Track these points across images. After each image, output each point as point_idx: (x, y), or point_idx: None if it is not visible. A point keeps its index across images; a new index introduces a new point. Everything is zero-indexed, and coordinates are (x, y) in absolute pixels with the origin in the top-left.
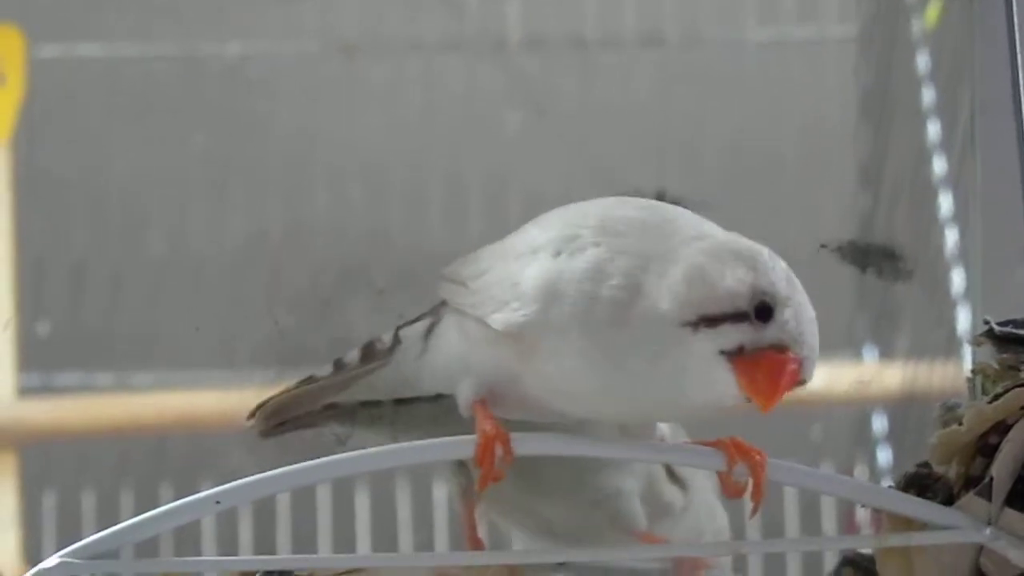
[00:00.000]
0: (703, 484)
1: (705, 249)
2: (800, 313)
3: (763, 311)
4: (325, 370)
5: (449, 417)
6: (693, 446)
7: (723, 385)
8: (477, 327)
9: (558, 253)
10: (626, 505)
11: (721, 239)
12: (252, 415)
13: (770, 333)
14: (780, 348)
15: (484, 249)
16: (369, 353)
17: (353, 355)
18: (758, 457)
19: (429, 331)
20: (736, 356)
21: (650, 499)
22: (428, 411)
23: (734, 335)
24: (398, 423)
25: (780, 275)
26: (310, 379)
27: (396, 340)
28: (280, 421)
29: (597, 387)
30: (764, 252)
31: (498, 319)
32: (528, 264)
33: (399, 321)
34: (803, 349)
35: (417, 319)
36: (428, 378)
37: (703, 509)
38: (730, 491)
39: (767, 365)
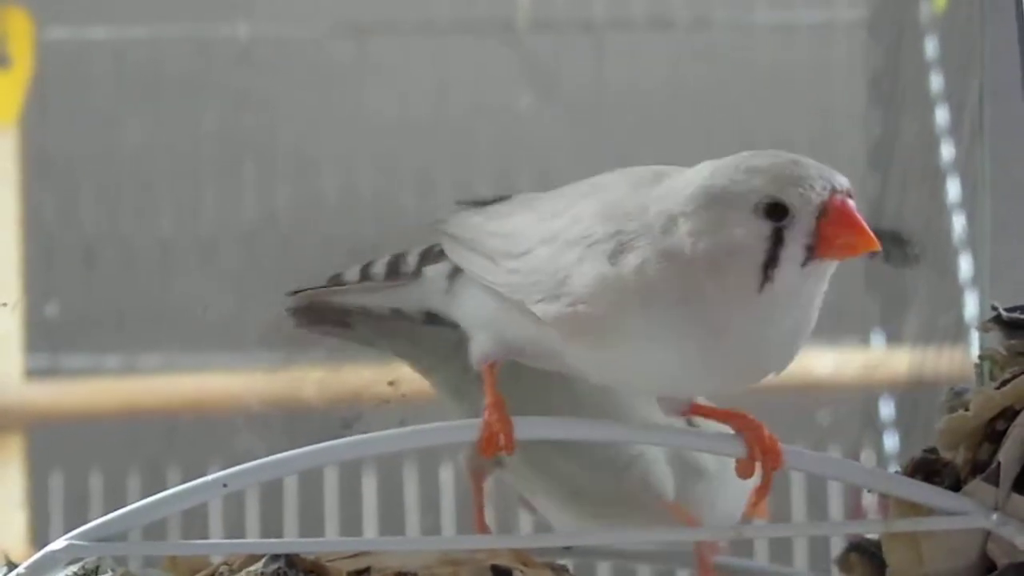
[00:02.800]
0: None
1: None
2: (802, 169)
3: (776, 209)
4: (352, 273)
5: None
6: (713, 434)
7: (816, 286)
8: (511, 301)
9: (616, 254)
10: (651, 471)
11: (689, 187)
12: (289, 297)
13: (805, 214)
14: (824, 211)
15: (504, 218)
16: (394, 270)
17: (380, 267)
18: (775, 460)
19: (454, 274)
20: (811, 255)
21: (679, 462)
22: (455, 338)
23: (792, 248)
24: (424, 344)
25: (754, 164)
26: (339, 278)
27: (420, 272)
28: (312, 313)
29: (694, 370)
30: (714, 167)
31: (548, 311)
32: (584, 259)
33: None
34: (837, 184)
35: (440, 254)
36: (453, 314)
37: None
38: (743, 471)
39: (832, 228)
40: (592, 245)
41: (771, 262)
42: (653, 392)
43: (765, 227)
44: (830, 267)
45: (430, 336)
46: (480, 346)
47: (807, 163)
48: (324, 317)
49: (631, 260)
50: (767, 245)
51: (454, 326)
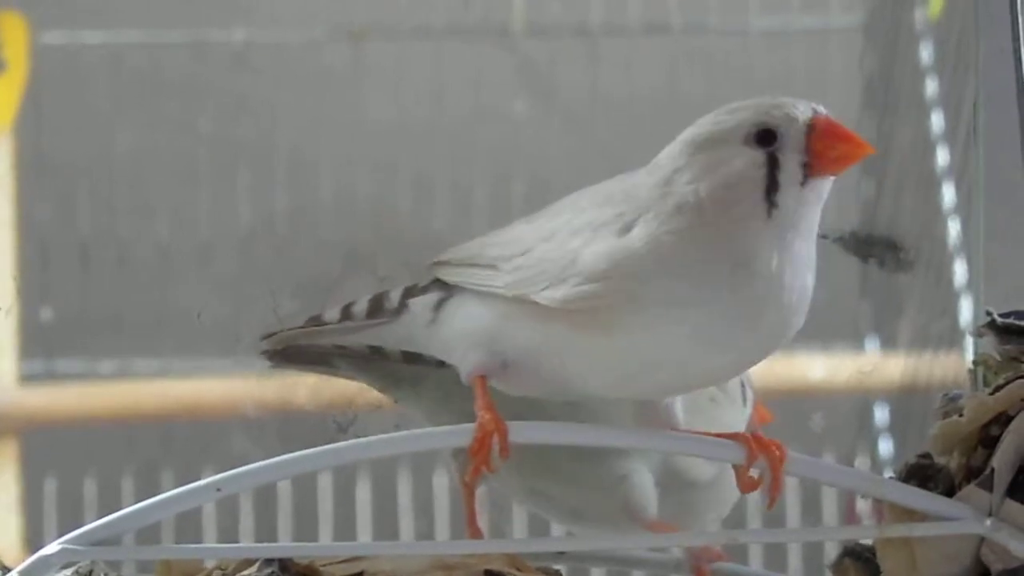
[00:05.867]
0: None
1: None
2: (781, 98)
3: (766, 135)
4: (333, 314)
5: (453, 386)
6: (710, 437)
7: (815, 213)
8: (512, 305)
9: (624, 231)
10: (634, 492)
11: (676, 145)
12: (264, 341)
13: (794, 132)
14: (812, 128)
15: (503, 233)
16: (376, 308)
17: (361, 306)
18: (777, 452)
19: (440, 303)
20: (808, 172)
21: (669, 477)
22: (434, 375)
23: (789, 168)
24: (403, 380)
25: (734, 105)
26: (318, 319)
27: (403, 305)
28: (289, 353)
29: (717, 335)
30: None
31: (555, 296)
32: (590, 241)
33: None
34: (818, 108)
35: (425, 288)
36: (435, 346)
37: (728, 478)
38: (745, 485)
39: (823, 142)
40: (598, 228)
41: (772, 187)
42: (658, 388)
43: (759, 154)
44: (825, 188)
45: (409, 372)
46: (471, 362)
47: (785, 97)
48: (301, 356)
49: (640, 231)
50: (765, 171)
51: (434, 363)
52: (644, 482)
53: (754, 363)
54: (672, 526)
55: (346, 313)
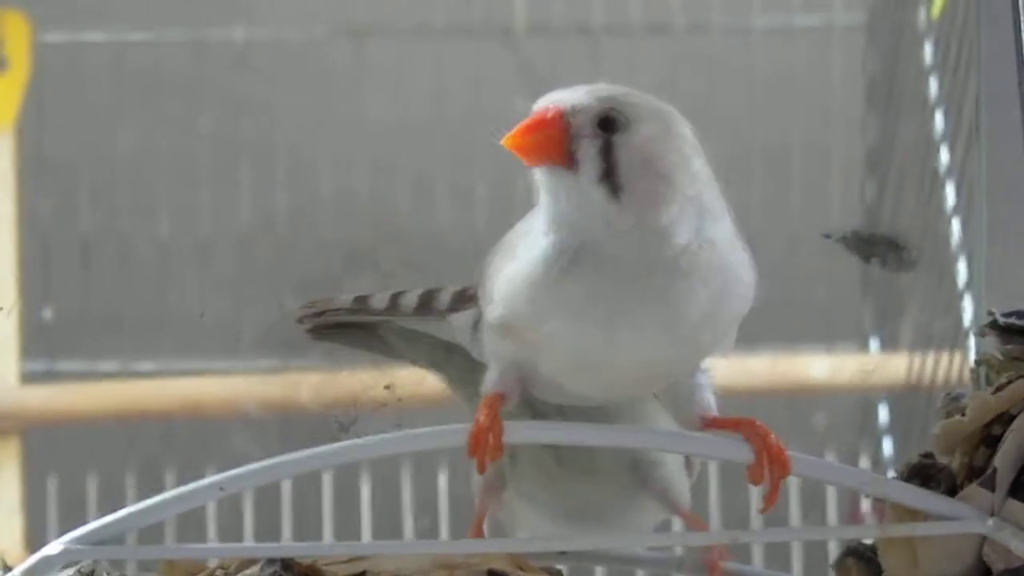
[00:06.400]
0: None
1: None
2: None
3: None
4: (380, 300)
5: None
6: (716, 438)
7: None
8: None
9: (515, 254)
10: (670, 477)
11: None
12: (303, 311)
13: None
14: None
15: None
16: (426, 306)
17: (410, 300)
18: (780, 468)
19: (476, 324)
20: None
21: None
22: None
23: None
24: (452, 361)
25: None
26: (365, 301)
27: (450, 313)
28: (332, 325)
29: (603, 337)
30: None
31: (488, 315)
32: (507, 260)
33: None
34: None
35: (469, 299)
36: (483, 356)
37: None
38: (753, 478)
39: None
40: (513, 245)
41: None
42: (619, 388)
43: None
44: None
45: (459, 355)
46: (487, 383)
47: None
48: (344, 328)
49: (524, 247)
50: None
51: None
52: (678, 469)
53: (692, 335)
54: (702, 522)
55: (394, 303)
